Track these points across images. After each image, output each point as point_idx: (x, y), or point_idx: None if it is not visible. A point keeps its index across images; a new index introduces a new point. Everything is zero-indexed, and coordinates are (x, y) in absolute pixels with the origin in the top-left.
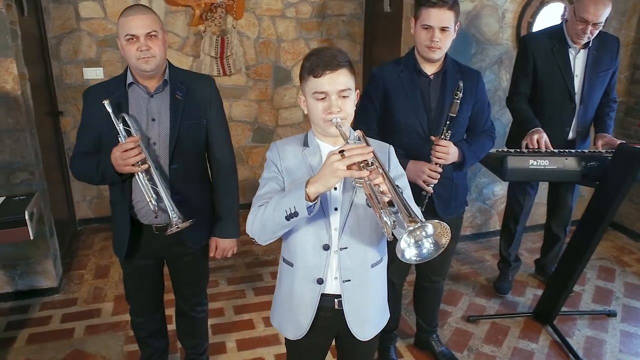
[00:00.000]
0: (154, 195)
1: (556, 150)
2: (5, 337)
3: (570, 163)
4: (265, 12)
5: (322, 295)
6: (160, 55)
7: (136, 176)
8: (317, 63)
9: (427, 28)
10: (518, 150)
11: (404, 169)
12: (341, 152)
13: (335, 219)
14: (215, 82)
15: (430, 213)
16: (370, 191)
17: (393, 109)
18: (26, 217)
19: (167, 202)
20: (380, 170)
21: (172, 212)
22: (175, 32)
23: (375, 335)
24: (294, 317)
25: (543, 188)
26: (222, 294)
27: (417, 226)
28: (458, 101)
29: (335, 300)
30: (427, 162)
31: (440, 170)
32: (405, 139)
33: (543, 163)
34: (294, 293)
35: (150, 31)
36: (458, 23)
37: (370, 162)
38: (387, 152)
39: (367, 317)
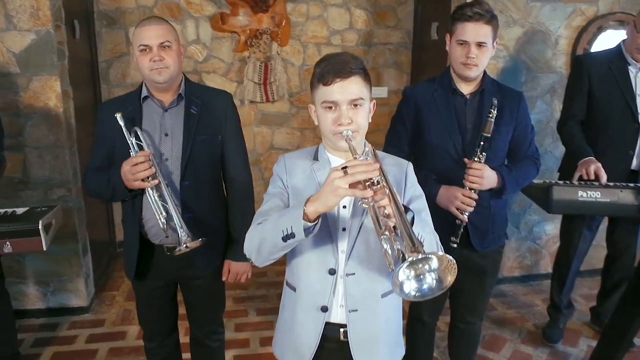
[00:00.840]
0: (163, 213)
1: (611, 184)
2: (31, 353)
3: (626, 196)
4: (311, 39)
5: (327, 324)
6: (174, 67)
7: (146, 192)
8: (327, 70)
9: (462, 43)
10: (567, 181)
11: (436, 194)
12: (344, 168)
13: (343, 241)
14: (232, 97)
15: (465, 245)
16: (374, 213)
17: (425, 130)
18: (40, 228)
19: (177, 219)
20: (387, 191)
21: (181, 230)
22: (220, 58)
23: None
24: (296, 346)
25: (602, 229)
26: (250, 325)
27: (418, 257)
28: (492, 120)
29: (341, 330)
30: (461, 188)
31: (474, 196)
32: (438, 162)
33: (594, 195)
34: (296, 320)
35: (164, 41)
36: (496, 39)
37: (376, 181)
38: (404, 170)
39: (375, 352)
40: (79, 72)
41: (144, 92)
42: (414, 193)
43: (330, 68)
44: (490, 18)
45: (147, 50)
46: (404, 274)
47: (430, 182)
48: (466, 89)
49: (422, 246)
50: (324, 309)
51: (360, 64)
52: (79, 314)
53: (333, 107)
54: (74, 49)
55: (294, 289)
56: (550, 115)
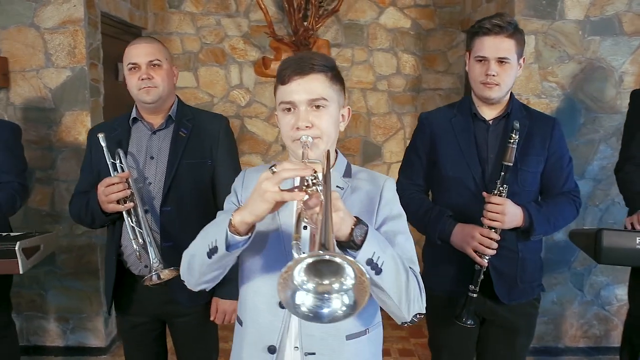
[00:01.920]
0: (139, 240)
1: None
2: None
3: None
4: (356, 84)
5: None
6: (163, 86)
7: (124, 217)
8: (285, 66)
9: (481, 60)
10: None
11: (450, 233)
12: (273, 170)
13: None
14: (228, 121)
15: (488, 295)
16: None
17: (441, 160)
18: (16, 249)
19: (149, 244)
20: (321, 197)
21: (154, 258)
22: (263, 103)
23: None
24: None
25: None
26: None
27: (320, 257)
28: (513, 146)
29: None
30: (480, 226)
31: (495, 236)
32: (455, 197)
33: None
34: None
35: (153, 59)
36: (523, 57)
37: (311, 183)
38: (380, 185)
39: None
40: (119, 112)
41: (134, 114)
42: (389, 212)
43: (289, 65)
44: (513, 31)
45: (136, 68)
46: (300, 278)
47: (444, 219)
48: (489, 113)
49: (334, 249)
50: (272, 350)
51: (326, 61)
52: (96, 355)
53: (292, 109)
54: (114, 90)
55: (240, 323)
56: (616, 161)
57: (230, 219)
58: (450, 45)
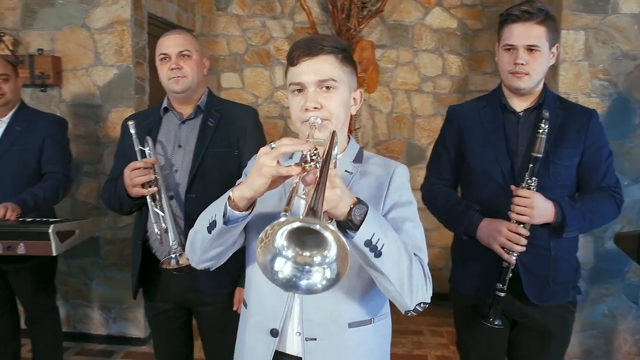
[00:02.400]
0: (163, 225)
1: None
2: None
3: None
4: (400, 85)
5: (280, 353)
6: (192, 76)
7: (147, 202)
8: (295, 47)
9: (509, 49)
10: None
11: (476, 228)
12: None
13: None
14: (257, 113)
15: (517, 295)
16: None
17: (468, 154)
18: (50, 232)
19: (170, 227)
20: (317, 174)
21: (172, 239)
22: None
23: None
24: None
25: None
26: None
27: (305, 224)
28: (542, 137)
29: None
30: (507, 221)
31: (524, 232)
32: (483, 191)
33: None
34: (245, 344)
35: (183, 50)
36: (556, 45)
37: (309, 159)
38: (390, 172)
39: None
40: None
41: (165, 104)
42: (398, 199)
43: (299, 46)
44: (543, 18)
45: (167, 59)
46: (281, 244)
47: (470, 213)
48: (520, 105)
49: (318, 219)
50: (274, 333)
51: (338, 43)
52: (136, 345)
53: (301, 90)
54: (160, 89)
55: (245, 306)
56: None
57: (230, 195)
58: None
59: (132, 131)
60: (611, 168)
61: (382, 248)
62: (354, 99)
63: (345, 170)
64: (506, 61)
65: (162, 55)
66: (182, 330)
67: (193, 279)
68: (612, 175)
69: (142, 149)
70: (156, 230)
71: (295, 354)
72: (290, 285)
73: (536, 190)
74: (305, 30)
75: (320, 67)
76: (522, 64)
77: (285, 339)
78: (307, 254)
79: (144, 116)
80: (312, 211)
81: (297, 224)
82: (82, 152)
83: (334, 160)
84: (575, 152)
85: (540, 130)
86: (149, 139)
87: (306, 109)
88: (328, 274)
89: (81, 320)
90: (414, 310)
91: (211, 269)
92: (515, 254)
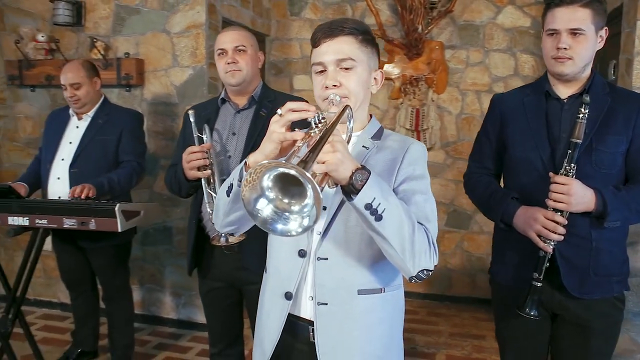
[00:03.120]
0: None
1: None
2: (149, 353)
3: None
4: (470, 86)
5: (297, 319)
6: (247, 70)
7: (202, 184)
8: (318, 29)
9: (552, 34)
10: None
11: (512, 215)
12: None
13: (320, 221)
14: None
15: (556, 286)
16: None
17: (509, 141)
18: (116, 210)
19: None
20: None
21: None
22: (376, 105)
23: None
24: (260, 338)
25: None
26: None
27: (284, 169)
28: (582, 122)
29: (310, 328)
30: (545, 209)
31: (561, 220)
32: (523, 179)
33: None
34: (264, 307)
35: (239, 45)
36: (604, 29)
37: (314, 126)
38: (405, 147)
39: None
40: None
41: (222, 95)
42: (412, 173)
43: (321, 28)
44: (589, 0)
45: (224, 53)
46: (267, 183)
47: (508, 201)
48: (564, 92)
49: (307, 171)
50: (288, 296)
51: (358, 25)
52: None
53: (323, 71)
54: None
55: (265, 271)
56: None
57: (246, 160)
58: None
59: (192, 119)
60: None
61: (382, 212)
62: (375, 79)
63: (363, 146)
64: (549, 46)
65: (220, 51)
66: (232, 309)
67: (243, 258)
68: None
69: (200, 135)
70: (209, 210)
71: (308, 318)
72: (267, 225)
73: (577, 178)
74: (374, 33)
75: (340, 47)
76: (565, 48)
77: (299, 304)
78: (287, 201)
79: (203, 107)
80: (302, 163)
81: (280, 169)
82: (160, 147)
83: (348, 134)
84: (621, 139)
85: (580, 115)
86: (206, 127)
87: (326, 87)
88: (305, 222)
89: (154, 304)
90: (417, 276)
91: (235, 235)
92: (553, 243)
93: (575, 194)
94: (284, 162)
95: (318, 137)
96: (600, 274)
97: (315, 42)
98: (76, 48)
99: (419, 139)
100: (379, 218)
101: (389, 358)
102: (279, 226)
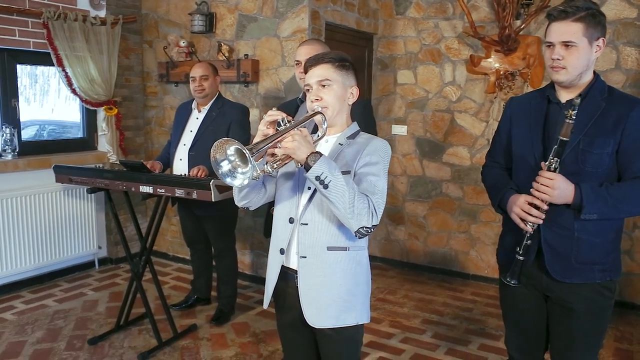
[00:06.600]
0: None
1: None
2: (250, 306)
3: None
4: None
5: (286, 268)
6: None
7: None
8: (306, 62)
9: (549, 46)
10: None
11: (506, 201)
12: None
13: (305, 196)
14: (369, 101)
15: (541, 269)
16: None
17: (512, 140)
18: (211, 185)
19: None
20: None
21: None
22: (473, 99)
23: (350, 335)
24: (266, 283)
25: None
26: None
27: (238, 145)
28: (569, 122)
29: (295, 276)
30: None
31: (542, 205)
32: (520, 173)
33: None
34: (269, 260)
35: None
36: (601, 39)
37: (283, 123)
38: (367, 142)
39: (321, 303)
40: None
41: (300, 96)
42: (369, 160)
43: (309, 60)
44: (581, 17)
45: (299, 64)
46: (230, 152)
47: (505, 189)
48: (566, 96)
49: (251, 154)
50: (282, 252)
51: (336, 55)
52: None
53: (309, 89)
54: None
55: (271, 235)
56: None
57: None
58: None
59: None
60: None
61: (329, 183)
62: (352, 93)
63: (339, 143)
64: (547, 57)
65: (297, 61)
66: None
67: None
68: None
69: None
70: None
71: (294, 268)
72: (223, 177)
73: (562, 174)
74: (466, 31)
75: (319, 72)
76: (558, 58)
77: (289, 257)
78: (237, 162)
79: (286, 105)
80: (255, 145)
81: (235, 145)
82: None
83: (324, 132)
84: (609, 141)
85: (568, 115)
86: (285, 120)
87: (312, 101)
88: (245, 182)
89: (261, 267)
90: (359, 232)
91: (250, 209)
92: (531, 224)
93: (558, 188)
94: (236, 141)
95: (278, 133)
96: (581, 262)
97: (306, 70)
98: (208, 51)
99: None
100: (325, 187)
101: (353, 302)
102: (228, 179)
